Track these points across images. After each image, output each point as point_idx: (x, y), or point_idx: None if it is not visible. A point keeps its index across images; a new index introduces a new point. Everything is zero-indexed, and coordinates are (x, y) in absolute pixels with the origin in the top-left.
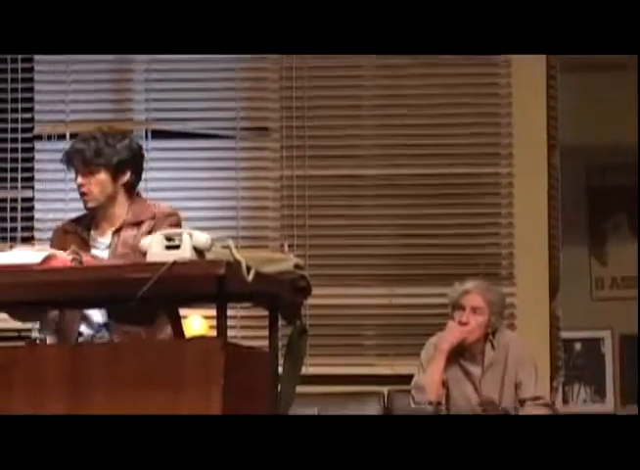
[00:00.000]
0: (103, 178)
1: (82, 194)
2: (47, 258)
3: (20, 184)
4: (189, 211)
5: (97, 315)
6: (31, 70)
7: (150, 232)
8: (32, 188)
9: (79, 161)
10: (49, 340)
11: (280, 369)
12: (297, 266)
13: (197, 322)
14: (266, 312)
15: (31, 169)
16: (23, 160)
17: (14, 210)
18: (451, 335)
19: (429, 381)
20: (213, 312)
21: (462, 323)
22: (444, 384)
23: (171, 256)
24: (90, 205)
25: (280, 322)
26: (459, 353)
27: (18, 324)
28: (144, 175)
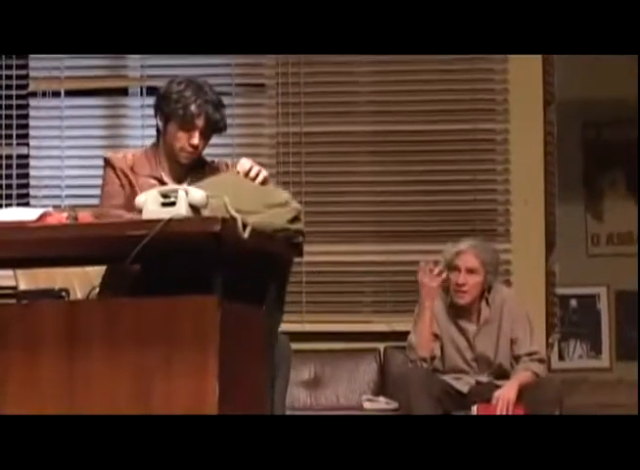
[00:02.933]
0: (208, 139)
1: (189, 152)
2: (42, 216)
3: (15, 141)
4: None
5: None
6: None
7: None
8: (27, 145)
9: (204, 122)
10: None
11: None
12: (295, 218)
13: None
14: None
15: (26, 126)
16: (18, 116)
17: (9, 166)
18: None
19: (418, 338)
20: None
21: (458, 285)
22: (438, 338)
23: (167, 213)
24: (188, 161)
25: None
26: (455, 313)
27: (12, 281)
28: (141, 132)
